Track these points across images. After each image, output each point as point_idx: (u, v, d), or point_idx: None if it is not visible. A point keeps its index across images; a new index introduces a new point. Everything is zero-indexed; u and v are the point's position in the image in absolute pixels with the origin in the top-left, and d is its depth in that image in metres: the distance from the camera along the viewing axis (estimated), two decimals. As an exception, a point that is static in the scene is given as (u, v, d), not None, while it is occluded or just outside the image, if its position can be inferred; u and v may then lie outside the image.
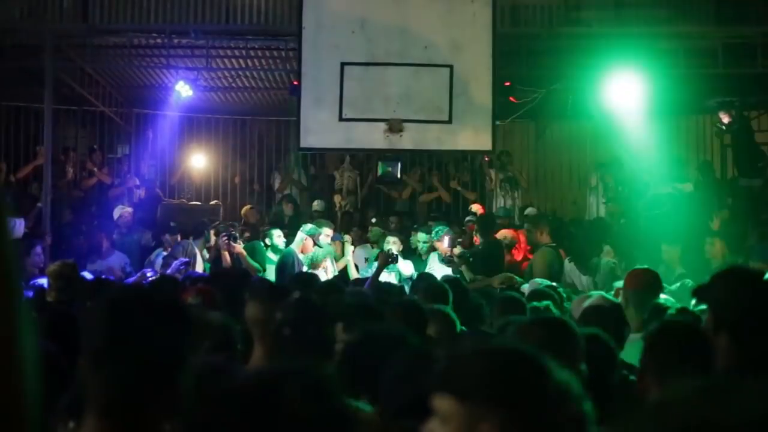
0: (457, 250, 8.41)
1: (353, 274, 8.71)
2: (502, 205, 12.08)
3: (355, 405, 2.40)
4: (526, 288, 6.44)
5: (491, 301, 5.01)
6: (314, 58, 9.37)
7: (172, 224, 10.31)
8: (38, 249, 8.47)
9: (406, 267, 8.38)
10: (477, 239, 8.90)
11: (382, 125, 9.27)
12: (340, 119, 9.28)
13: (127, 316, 1.72)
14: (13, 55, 11.10)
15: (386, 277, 7.71)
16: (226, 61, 11.86)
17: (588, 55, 10.38)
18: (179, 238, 9.37)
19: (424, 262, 8.71)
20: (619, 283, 5.34)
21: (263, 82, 12.74)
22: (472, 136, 9.50)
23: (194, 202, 12.63)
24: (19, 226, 9.01)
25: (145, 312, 1.72)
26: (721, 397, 1.05)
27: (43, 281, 5.91)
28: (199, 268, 8.63)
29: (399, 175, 11.67)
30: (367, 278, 7.37)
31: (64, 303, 5.32)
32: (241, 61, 11.88)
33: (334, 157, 13.39)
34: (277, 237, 9.13)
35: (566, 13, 10.90)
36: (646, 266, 5.40)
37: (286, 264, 8.42)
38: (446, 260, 8.29)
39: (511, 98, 10.48)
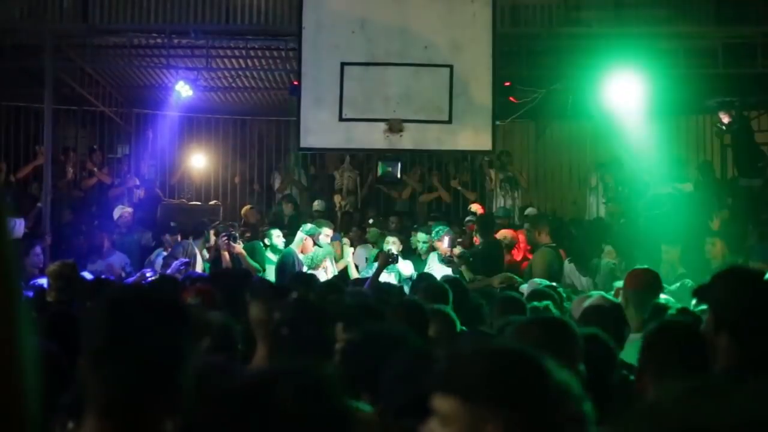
0: (457, 250, 8.41)
1: (353, 275, 8.71)
2: (502, 205, 12.08)
3: (355, 405, 2.40)
4: (524, 288, 6.43)
5: (491, 301, 5.00)
6: (314, 58, 9.37)
7: (172, 224, 10.32)
8: (37, 249, 8.47)
9: (406, 267, 8.38)
10: (477, 239, 8.90)
11: (382, 125, 9.28)
12: (340, 119, 9.28)
13: (127, 315, 1.71)
14: (13, 55, 11.10)
15: (386, 277, 7.71)
16: (226, 61, 11.86)
17: (588, 55, 10.38)
18: (179, 239, 9.38)
19: (424, 262, 8.71)
20: (619, 283, 5.34)
21: (263, 82, 12.74)
22: (472, 136, 9.50)
23: (194, 202, 12.63)
24: (19, 226, 9.01)
25: (145, 312, 1.72)
26: (715, 399, 1.05)
27: (43, 281, 5.91)
28: (199, 268, 8.63)
29: (399, 175, 11.67)
30: (366, 278, 7.37)
31: (64, 303, 5.32)
32: (241, 61, 11.88)
33: (334, 157, 13.39)
34: (277, 237, 9.14)
35: (566, 13, 10.90)
36: (646, 266, 5.39)
37: (286, 264, 8.42)
38: (446, 260, 8.29)
39: (511, 98, 10.47)
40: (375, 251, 9.43)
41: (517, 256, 9.32)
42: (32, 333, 1.03)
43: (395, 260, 7.87)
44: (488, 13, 9.38)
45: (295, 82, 9.73)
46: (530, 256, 9.10)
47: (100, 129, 13.54)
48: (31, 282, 6.46)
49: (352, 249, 9.41)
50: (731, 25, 10.54)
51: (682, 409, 1.05)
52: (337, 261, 8.99)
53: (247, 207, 11.84)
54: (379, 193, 13.24)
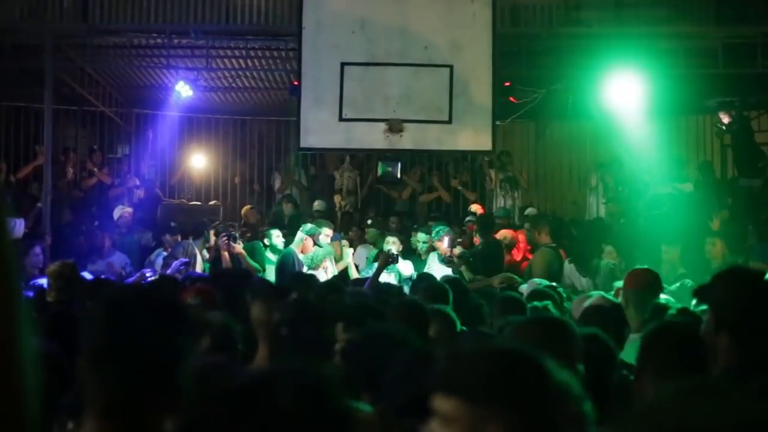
0: (457, 250, 8.40)
1: (353, 275, 8.70)
2: (502, 205, 12.07)
3: (355, 405, 2.40)
4: (524, 288, 6.43)
5: (491, 301, 5.00)
6: (314, 58, 9.37)
7: (172, 224, 10.32)
8: (37, 249, 8.46)
9: (406, 267, 8.38)
10: (477, 239, 8.90)
11: (382, 125, 9.28)
12: (340, 119, 9.28)
13: (126, 315, 1.71)
14: (13, 55, 11.10)
15: (386, 277, 7.71)
16: (226, 61, 11.86)
17: (588, 55, 10.38)
18: (179, 239, 9.38)
19: (424, 262, 8.71)
20: (619, 283, 5.34)
21: (263, 82, 12.74)
22: (472, 136, 9.50)
23: (194, 202, 12.63)
24: (19, 227, 9.01)
25: (144, 312, 1.72)
26: (712, 399, 1.06)
27: (43, 281, 5.91)
28: (199, 268, 8.63)
29: (399, 175, 11.67)
30: (366, 278, 7.37)
31: (64, 303, 5.33)
32: (241, 61, 11.88)
33: (334, 157, 13.39)
34: (276, 237, 9.14)
35: (566, 13, 10.90)
36: (646, 266, 5.39)
37: (286, 264, 8.42)
38: (446, 260, 8.29)
39: (511, 98, 10.47)
40: (375, 251, 9.43)
41: (517, 256, 9.32)
42: (32, 333, 1.03)
43: (395, 260, 7.86)
44: (488, 13, 9.38)
45: (295, 82, 9.73)
46: (530, 256, 9.10)
47: (100, 129, 13.54)
48: (31, 282, 6.46)
49: (351, 250, 9.41)
50: (731, 25, 10.54)
51: (679, 410, 1.06)
52: (337, 262, 8.99)
53: (247, 207, 11.84)
54: (379, 193, 13.24)
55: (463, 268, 8.04)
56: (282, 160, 13.74)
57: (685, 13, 10.73)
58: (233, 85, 12.95)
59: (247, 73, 12.37)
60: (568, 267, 8.20)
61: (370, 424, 2.34)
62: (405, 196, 12.86)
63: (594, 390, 1.83)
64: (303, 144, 9.62)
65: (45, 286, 5.73)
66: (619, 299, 4.62)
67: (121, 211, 10.61)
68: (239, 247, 8.50)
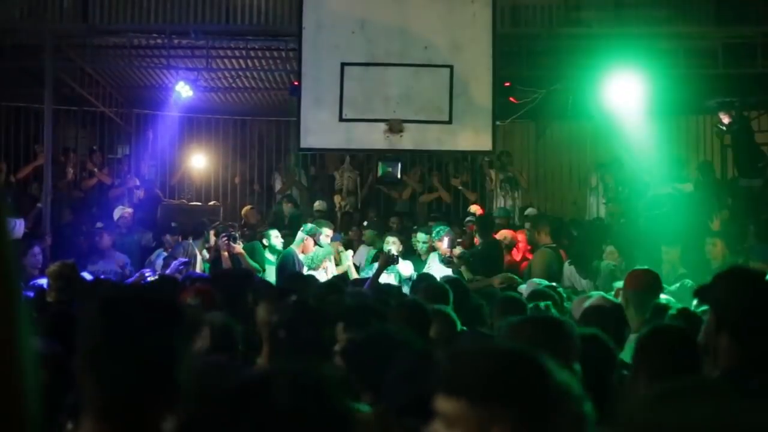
0: (457, 250, 8.40)
1: (353, 276, 8.70)
2: (502, 205, 12.07)
3: (354, 405, 2.40)
4: (523, 288, 6.42)
5: (492, 301, 5.00)
6: (314, 59, 9.37)
7: (173, 224, 10.33)
8: (36, 249, 8.46)
9: (406, 267, 8.38)
10: (477, 240, 8.90)
11: (382, 125, 9.27)
12: (340, 119, 9.27)
13: (121, 315, 1.71)
14: (13, 55, 11.09)
15: (386, 277, 7.71)
16: (226, 61, 11.86)
17: (588, 56, 10.38)
18: (180, 239, 9.39)
19: (424, 263, 8.71)
20: (619, 284, 5.33)
21: (263, 82, 12.74)
22: (473, 137, 9.50)
23: (194, 203, 12.63)
24: (19, 227, 9.01)
25: (139, 311, 1.71)
26: (674, 401, 1.11)
27: (43, 281, 5.91)
28: (199, 268, 8.63)
29: (399, 176, 11.66)
30: (366, 279, 7.37)
31: (64, 303, 5.33)
32: (241, 61, 11.88)
33: (334, 157, 13.38)
34: (275, 237, 9.14)
35: (566, 13, 10.90)
36: (646, 267, 5.39)
37: (286, 264, 8.42)
38: (446, 261, 8.28)
39: (511, 98, 10.47)
40: (373, 251, 9.43)
41: (517, 256, 9.32)
42: (32, 333, 1.03)
43: (395, 261, 7.86)
44: (488, 13, 9.38)
45: (295, 83, 9.73)
46: (530, 257, 9.10)
47: (100, 129, 13.54)
48: (31, 282, 6.46)
49: (350, 252, 9.39)
50: (731, 25, 10.54)
51: (644, 412, 1.11)
52: (337, 265, 8.97)
53: (248, 207, 11.84)
54: (379, 194, 13.24)
55: (462, 269, 8.04)
56: (282, 161, 13.74)
57: (685, 13, 10.73)
58: (233, 85, 12.95)
59: (247, 74, 12.37)
60: (568, 269, 8.18)
61: (369, 424, 2.34)
62: (405, 196, 12.86)
63: (594, 390, 1.83)
64: (303, 144, 9.62)
65: (45, 286, 5.73)
66: (619, 300, 4.62)
67: (122, 212, 10.61)
68: (239, 247, 8.50)
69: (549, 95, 10.91)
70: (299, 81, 9.49)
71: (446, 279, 6.22)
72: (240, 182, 13.93)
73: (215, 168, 14.01)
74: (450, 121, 9.29)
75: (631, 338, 3.80)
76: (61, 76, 11.24)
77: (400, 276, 8.23)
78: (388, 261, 7.55)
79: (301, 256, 8.55)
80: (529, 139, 14.12)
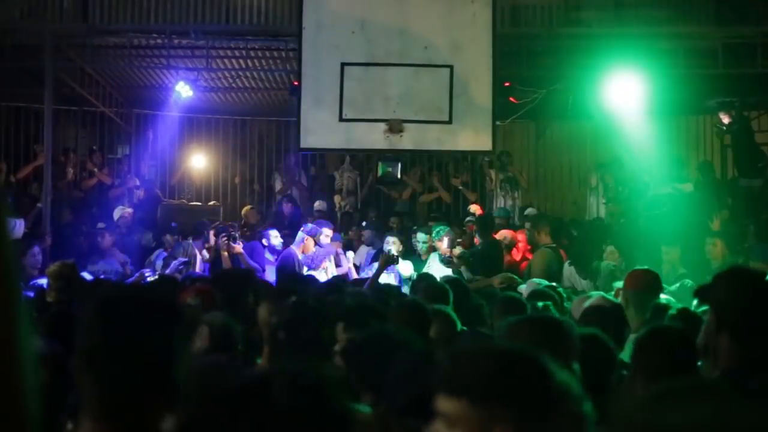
0: (457, 250, 8.40)
1: (353, 276, 8.70)
2: (502, 205, 12.07)
3: (354, 406, 2.40)
4: (523, 288, 6.42)
5: (492, 301, 4.99)
6: (314, 59, 9.37)
7: (173, 224, 10.33)
8: (35, 250, 8.46)
9: (406, 268, 8.38)
10: (477, 240, 8.90)
11: (382, 125, 9.27)
12: (340, 119, 9.27)
13: (118, 315, 1.71)
14: (13, 55, 11.09)
15: (386, 278, 7.71)
16: (226, 61, 11.86)
17: (588, 56, 10.38)
18: (180, 239, 9.39)
19: (424, 263, 8.71)
20: (619, 284, 5.33)
21: (263, 82, 12.74)
22: (472, 137, 9.50)
23: (194, 203, 12.63)
24: (19, 227, 9.01)
25: (136, 311, 1.71)
26: (670, 402, 1.12)
27: (43, 281, 5.91)
28: (199, 268, 8.63)
29: (399, 176, 11.66)
30: (366, 279, 7.37)
31: (64, 303, 5.33)
32: (241, 61, 11.88)
33: (334, 157, 13.39)
34: (274, 237, 9.15)
35: (566, 13, 10.90)
36: (646, 267, 5.39)
37: (286, 264, 8.42)
38: (446, 261, 8.28)
39: (511, 98, 10.47)
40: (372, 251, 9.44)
41: (516, 256, 9.32)
42: (32, 333, 1.03)
43: (395, 261, 7.86)
44: (488, 13, 9.38)
45: (295, 83, 9.73)
46: (530, 256, 9.09)
47: (100, 129, 13.54)
48: (31, 282, 6.46)
49: (351, 253, 9.39)
50: (731, 25, 10.54)
51: (635, 414, 1.13)
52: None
53: (248, 207, 11.84)
54: (379, 194, 13.24)
55: (462, 269, 8.04)
56: (282, 161, 13.74)
57: (685, 13, 10.73)
58: (233, 85, 12.95)
59: (247, 74, 12.37)
60: (568, 269, 8.18)
61: (369, 425, 2.34)
62: (405, 196, 12.85)
63: (594, 390, 1.83)
64: (303, 144, 9.61)
65: (45, 286, 5.73)
66: (619, 300, 4.62)
67: (122, 212, 10.61)
68: (239, 247, 8.50)
69: (549, 95, 10.90)
70: (299, 81, 9.48)
71: (446, 279, 6.22)
72: (240, 182, 13.93)
73: (215, 168, 14.01)
74: (450, 121, 9.28)
75: (631, 338, 3.79)
76: (61, 76, 11.24)
77: (400, 276, 8.23)
78: (388, 261, 7.55)
79: (300, 256, 8.55)
80: (529, 139, 14.12)
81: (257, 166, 14.09)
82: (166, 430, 1.70)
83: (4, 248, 1.00)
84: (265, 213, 12.56)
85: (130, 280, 8.25)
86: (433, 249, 8.73)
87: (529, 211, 11.45)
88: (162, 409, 1.68)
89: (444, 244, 8.38)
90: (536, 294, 5.30)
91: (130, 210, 10.80)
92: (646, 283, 4.67)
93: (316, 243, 8.68)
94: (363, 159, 13.12)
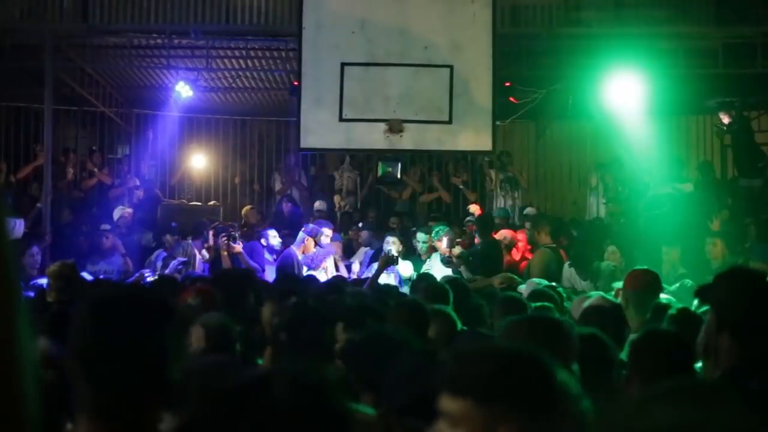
0: (456, 250, 8.40)
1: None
2: (502, 205, 12.07)
3: (357, 406, 2.40)
4: (523, 288, 6.42)
5: (492, 301, 4.99)
6: (314, 59, 9.37)
7: (173, 224, 10.32)
8: (35, 250, 8.47)
9: (406, 268, 8.38)
10: (477, 240, 8.90)
11: (382, 125, 9.27)
12: (340, 119, 9.27)
13: (110, 315, 1.71)
14: (13, 55, 11.09)
15: (386, 278, 7.71)
16: (226, 61, 11.86)
17: (588, 56, 10.38)
18: (179, 239, 9.39)
19: (424, 263, 8.71)
20: (619, 284, 5.33)
21: (263, 82, 12.74)
22: (473, 137, 9.50)
23: (194, 203, 12.63)
24: (18, 227, 9.01)
25: (128, 311, 1.71)
26: (646, 406, 1.16)
27: (43, 281, 5.91)
28: (198, 268, 8.63)
29: (399, 176, 11.66)
30: (366, 279, 7.38)
31: (64, 303, 5.32)
32: (241, 61, 11.88)
33: (334, 157, 13.38)
34: (273, 237, 9.14)
35: (566, 13, 10.91)
36: (646, 267, 5.39)
37: (286, 265, 8.42)
38: (445, 260, 8.28)
39: (511, 98, 10.47)
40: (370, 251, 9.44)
41: (516, 256, 9.32)
42: (32, 333, 1.03)
43: (395, 262, 7.86)
44: (488, 13, 9.38)
45: (295, 83, 9.73)
46: (530, 256, 9.09)
47: (100, 129, 13.54)
48: (32, 282, 6.46)
49: (356, 266, 9.37)
50: (731, 25, 10.54)
51: (618, 416, 1.18)
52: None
53: (248, 207, 11.83)
54: (379, 194, 13.24)
55: (462, 268, 8.04)
56: (282, 161, 13.74)
57: (685, 13, 10.73)
58: (233, 85, 12.94)
59: (247, 74, 12.37)
60: (568, 270, 8.17)
61: (372, 425, 2.34)
62: (405, 196, 12.85)
63: (593, 390, 1.83)
64: (303, 144, 9.61)
65: (45, 286, 5.73)
66: (619, 300, 4.61)
67: (121, 212, 10.60)
68: (239, 247, 8.50)
69: (549, 95, 10.90)
70: (299, 81, 9.48)
71: (446, 279, 6.22)
72: (240, 182, 13.93)
73: (215, 168, 14.01)
74: (450, 121, 9.28)
75: (631, 338, 3.79)
76: (61, 76, 11.24)
77: (400, 276, 8.23)
78: (388, 261, 7.55)
79: (300, 257, 8.55)
80: (529, 139, 14.11)
81: (257, 166, 14.09)
82: (165, 429, 1.70)
83: (4, 248, 1.00)
84: (265, 213, 12.55)
85: (130, 280, 8.25)
86: (433, 249, 8.73)
87: (529, 210, 11.45)
88: (158, 409, 1.68)
89: (443, 244, 8.38)
90: (536, 294, 5.30)
91: (130, 210, 10.80)
92: (646, 283, 4.66)
93: (317, 243, 8.68)
94: (363, 159, 13.12)
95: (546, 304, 4.72)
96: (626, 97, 10.39)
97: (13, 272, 1.00)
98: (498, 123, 9.87)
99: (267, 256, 8.96)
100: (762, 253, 7.86)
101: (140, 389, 1.66)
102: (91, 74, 12.32)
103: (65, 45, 11.07)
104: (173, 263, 8.24)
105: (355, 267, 8.99)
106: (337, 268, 8.75)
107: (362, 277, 8.25)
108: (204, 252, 8.89)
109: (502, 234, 9.36)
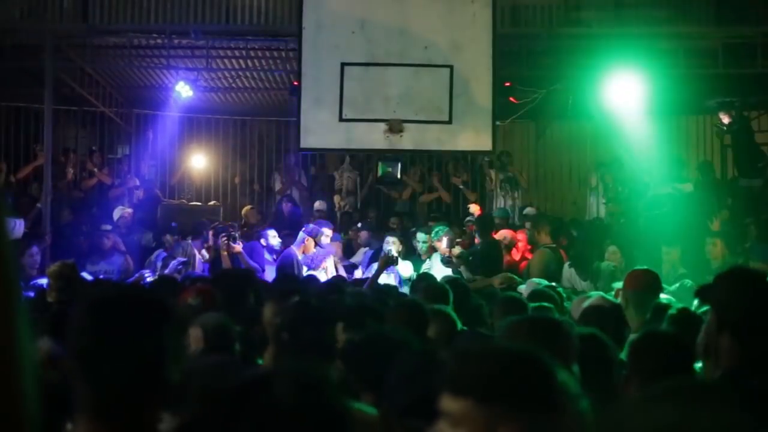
0: (456, 250, 8.40)
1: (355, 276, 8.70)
2: (502, 205, 12.07)
3: (358, 406, 2.40)
4: (523, 288, 6.42)
5: (492, 301, 4.99)
6: (314, 58, 9.37)
7: (173, 224, 10.32)
8: (34, 250, 8.46)
9: (406, 268, 8.38)
10: (477, 240, 8.90)
11: (382, 125, 9.27)
12: (340, 119, 9.27)
13: (108, 315, 1.71)
14: (13, 55, 11.09)
15: (386, 278, 7.71)
16: (226, 61, 11.86)
17: (588, 56, 10.38)
18: (179, 239, 9.39)
19: (423, 263, 8.71)
20: (619, 284, 5.33)
21: (263, 82, 12.74)
22: (473, 137, 9.50)
23: (194, 203, 12.63)
24: (18, 227, 9.01)
25: (126, 311, 1.72)
26: (645, 406, 1.18)
27: (43, 281, 5.91)
28: (198, 268, 8.63)
29: (399, 176, 11.66)
30: (366, 279, 7.38)
31: (64, 303, 5.32)
32: (241, 61, 11.88)
33: (334, 157, 13.38)
34: (272, 237, 9.14)
35: (566, 13, 10.91)
36: (646, 267, 5.39)
37: (286, 265, 8.42)
38: (445, 260, 8.28)
39: (511, 98, 10.47)
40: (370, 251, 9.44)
41: (516, 256, 9.32)
42: (32, 334, 1.03)
43: (395, 262, 7.85)
44: (488, 13, 9.37)
45: (295, 83, 9.73)
46: (530, 256, 9.09)
47: (100, 129, 13.54)
48: (32, 282, 6.46)
49: (359, 271, 9.37)
50: (731, 25, 10.54)
51: (613, 419, 1.19)
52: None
53: (248, 207, 11.84)
54: (379, 194, 13.24)
55: (461, 268, 8.03)
56: (282, 161, 13.74)
57: (685, 13, 10.73)
58: (233, 85, 12.94)
59: (247, 74, 12.37)
60: (568, 271, 8.17)
61: (374, 425, 2.34)
62: (405, 196, 12.85)
63: (593, 390, 1.83)
64: (303, 144, 9.61)
65: (45, 286, 5.73)
66: (619, 300, 4.61)
67: (121, 212, 10.61)
68: (239, 247, 8.50)
69: (549, 95, 10.90)
70: (299, 81, 9.48)
71: (446, 279, 6.23)
72: (240, 182, 13.93)
73: (215, 168, 14.01)
74: (450, 121, 9.28)
75: (631, 338, 3.79)
76: (61, 76, 11.24)
77: (400, 276, 8.23)
78: (388, 261, 7.55)
79: (300, 257, 8.55)
80: (529, 139, 14.12)
81: (257, 166, 14.09)
82: (164, 429, 1.70)
83: (4, 248, 1.00)
84: (265, 213, 12.55)
85: (130, 280, 8.25)
86: (433, 249, 8.73)
87: (529, 210, 11.45)
88: (158, 409, 1.68)
89: (443, 244, 8.38)
90: (536, 294, 5.30)
91: (130, 210, 10.80)
92: (646, 283, 4.66)
93: (317, 243, 8.68)
94: (363, 159, 13.11)
95: (546, 304, 4.72)
96: (626, 97, 10.39)
97: (13, 272, 1.01)
98: (498, 123, 9.87)
99: (267, 256, 8.96)
100: (762, 253, 7.86)
101: (140, 389, 1.67)
102: (91, 74, 12.32)
103: (65, 45, 11.07)
104: (173, 263, 8.23)
105: (358, 273, 8.98)
106: (336, 270, 8.75)
107: (362, 277, 8.25)
108: (204, 252, 8.89)
109: (502, 234, 9.36)
